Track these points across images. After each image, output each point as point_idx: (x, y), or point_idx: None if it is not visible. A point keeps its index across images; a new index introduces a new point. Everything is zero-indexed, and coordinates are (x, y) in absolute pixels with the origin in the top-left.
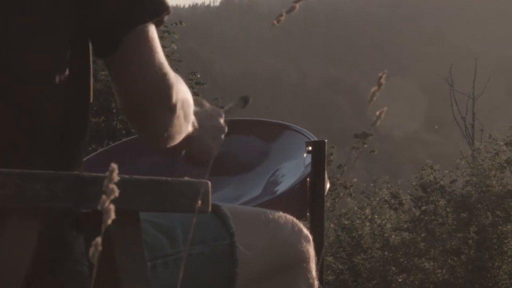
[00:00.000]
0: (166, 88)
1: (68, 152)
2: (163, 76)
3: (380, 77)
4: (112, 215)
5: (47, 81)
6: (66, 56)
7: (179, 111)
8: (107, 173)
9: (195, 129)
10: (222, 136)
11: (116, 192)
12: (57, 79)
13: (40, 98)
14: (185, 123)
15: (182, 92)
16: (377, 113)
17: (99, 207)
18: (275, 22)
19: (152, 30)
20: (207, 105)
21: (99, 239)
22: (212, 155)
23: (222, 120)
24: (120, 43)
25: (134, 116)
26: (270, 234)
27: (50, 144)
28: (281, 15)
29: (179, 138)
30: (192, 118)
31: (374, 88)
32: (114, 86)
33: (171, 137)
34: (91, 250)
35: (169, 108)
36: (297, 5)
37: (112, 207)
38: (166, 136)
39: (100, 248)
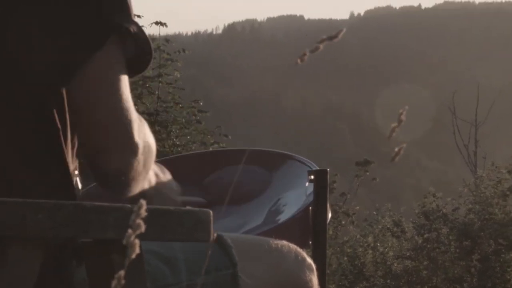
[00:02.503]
0: (127, 125)
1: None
2: (124, 111)
3: (401, 114)
4: (137, 250)
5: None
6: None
7: (140, 155)
8: (135, 208)
9: (150, 189)
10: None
11: (143, 228)
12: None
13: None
14: (143, 172)
15: (145, 135)
16: (396, 149)
17: (124, 242)
18: (298, 61)
19: (114, 61)
20: (168, 175)
21: (122, 272)
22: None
23: (178, 198)
24: (78, 70)
25: (93, 154)
26: (273, 263)
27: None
28: (305, 54)
29: (135, 188)
30: (151, 169)
31: (394, 125)
32: (70, 118)
33: (128, 184)
34: (114, 282)
35: (129, 147)
36: (321, 46)
37: (137, 242)
38: (123, 180)
39: (123, 281)
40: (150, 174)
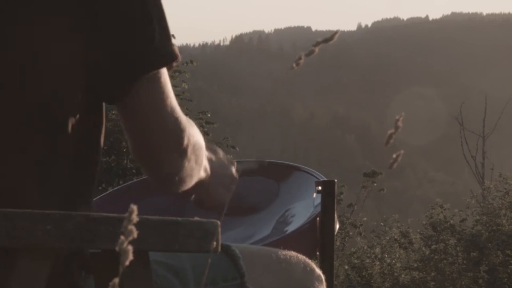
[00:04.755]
0: (177, 132)
1: (79, 189)
2: (175, 121)
3: (398, 120)
4: (130, 256)
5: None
6: (78, 94)
7: (191, 155)
8: (127, 214)
9: (207, 175)
10: (233, 186)
11: (135, 234)
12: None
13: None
14: (197, 167)
15: (193, 136)
16: (394, 155)
17: (117, 248)
18: (294, 65)
19: (164, 75)
20: (220, 153)
21: (116, 280)
22: (221, 203)
23: (234, 170)
24: (132, 89)
25: (146, 159)
26: (281, 274)
27: (63, 178)
28: (300, 58)
29: (190, 182)
30: (204, 162)
31: (391, 131)
32: (125, 130)
33: (182, 181)
34: None
35: (180, 152)
36: (316, 49)
37: (130, 248)
38: (177, 180)
39: None
40: (205, 162)
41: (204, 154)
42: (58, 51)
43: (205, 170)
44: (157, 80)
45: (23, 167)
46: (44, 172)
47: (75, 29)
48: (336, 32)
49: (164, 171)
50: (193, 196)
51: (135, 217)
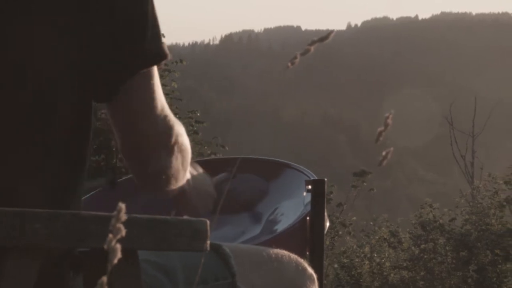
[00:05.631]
0: (166, 130)
1: (70, 187)
2: (164, 118)
3: (387, 118)
4: (118, 255)
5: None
6: (69, 89)
7: (177, 154)
8: (115, 212)
9: (188, 186)
10: (211, 204)
11: (123, 232)
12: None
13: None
14: (182, 170)
15: (181, 135)
16: (384, 153)
17: (105, 246)
18: (289, 64)
19: (154, 73)
20: (200, 170)
21: (104, 278)
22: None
23: (212, 189)
24: (123, 87)
25: (134, 156)
26: (273, 273)
27: (56, 177)
28: (295, 57)
29: (174, 184)
30: (188, 166)
31: (380, 129)
32: (114, 127)
33: (167, 181)
34: None
35: (167, 149)
36: (312, 48)
37: (118, 246)
38: (163, 179)
39: (105, 287)
40: (188, 169)
41: (189, 158)
42: (55, 51)
43: (187, 181)
44: (148, 78)
45: (21, 167)
46: (39, 172)
47: (71, 29)
48: (331, 32)
49: (151, 169)
50: (173, 213)
51: (123, 216)
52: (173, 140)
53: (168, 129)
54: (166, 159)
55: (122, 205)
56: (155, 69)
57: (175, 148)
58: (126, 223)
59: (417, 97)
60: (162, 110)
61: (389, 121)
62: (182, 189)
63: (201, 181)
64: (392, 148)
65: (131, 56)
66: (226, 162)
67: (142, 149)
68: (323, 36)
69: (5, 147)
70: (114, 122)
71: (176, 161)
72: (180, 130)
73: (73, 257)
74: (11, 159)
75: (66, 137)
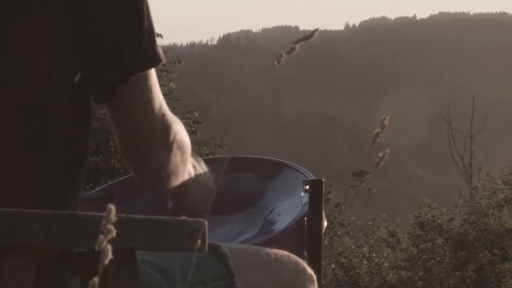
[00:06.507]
0: (165, 129)
1: (69, 188)
2: (162, 117)
3: (384, 119)
4: (110, 255)
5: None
6: (66, 87)
7: (176, 151)
8: (105, 213)
9: (190, 180)
10: (211, 200)
11: (114, 233)
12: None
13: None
14: (182, 165)
15: (179, 132)
16: (380, 154)
17: (96, 247)
18: (275, 63)
19: (153, 74)
20: (203, 164)
21: (96, 279)
22: (198, 213)
23: (212, 183)
24: (122, 88)
25: (133, 155)
26: (272, 274)
27: (54, 178)
28: (281, 56)
29: (175, 179)
30: (188, 163)
31: (377, 130)
32: (113, 126)
33: (167, 177)
34: None
35: (166, 147)
36: (297, 46)
37: (109, 247)
38: (163, 176)
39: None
40: (189, 166)
41: (189, 153)
42: (55, 51)
43: (189, 174)
44: (146, 79)
45: (20, 167)
46: (38, 172)
47: (71, 29)
48: (315, 30)
49: (151, 166)
50: (170, 204)
51: (113, 216)
52: (171, 138)
53: (166, 128)
54: (165, 157)
55: (112, 206)
56: (153, 70)
57: (174, 145)
58: (123, 224)
59: (416, 97)
60: (160, 109)
61: (386, 122)
62: (183, 183)
63: (203, 176)
64: (388, 150)
65: (129, 57)
66: (222, 162)
67: (141, 148)
68: (308, 35)
69: (5, 147)
70: (113, 123)
71: (175, 158)
72: (178, 128)
73: (71, 257)
74: (11, 159)
75: (65, 137)
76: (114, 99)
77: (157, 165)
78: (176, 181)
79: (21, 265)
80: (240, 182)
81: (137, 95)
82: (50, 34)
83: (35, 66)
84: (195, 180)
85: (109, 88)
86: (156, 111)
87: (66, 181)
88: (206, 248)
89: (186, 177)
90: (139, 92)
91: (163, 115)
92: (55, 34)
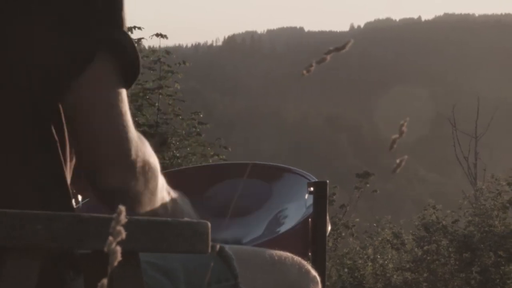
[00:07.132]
0: (123, 144)
1: (59, 186)
2: (122, 130)
3: (402, 125)
4: (119, 257)
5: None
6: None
7: (139, 175)
8: (115, 215)
9: (164, 210)
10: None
11: (123, 234)
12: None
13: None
14: (147, 192)
15: (145, 154)
16: (398, 160)
17: (105, 249)
18: (304, 72)
19: (111, 79)
20: (186, 200)
21: (105, 281)
22: None
23: (193, 213)
24: (72, 84)
25: (89, 168)
26: (276, 275)
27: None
28: (311, 65)
29: (138, 207)
30: (156, 188)
31: (395, 136)
32: (71, 137)
33: (129, 203)
34: None
35: (126, 166)
36: (328, 57)
37: (118, 249)
38: (123, 199)
39: None
40: (164, 194)
41: (156, 180)
42: (55, 51)
43: (164, 207)
44: (103, 80)
45: (20, 167)
46: (39, 172)
47: (70, 29)
48: (348, 42)
49: (108, 185)
50: None
51: (123, 218)
52: (132, 155)
53: (124, 140)
54: (124, 176)
55: (122, 208)
56: (109, 71)
57: (137, 165)
58: (126, 225)
59: (419, 97)
60: (118, 116)
61: (404, 128)
62: (154, 213)
63: (180, 205)
64: (406, 156)
65: (75, 48)
66: (234, 168)
67: (94, 162)
68: (339, 46)
69: (5, 147)
70: (66, 128)
71: (137, 181)
72: (143, 147)
73: (74, 258)
74: (11, 159)
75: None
76: (67, 95)
77: (114, 183)
78: (141, 209)
79: (22, 266)
80: (244, 187)
81: (89, 91)
82: (50, 34)
83: (35, 66)
84: (172, 210)
85: (59, 82)
86: (114, 120)
87: (66, 181)
88: (209, 250)
89: (157, 205)
90: (91, 88)
91: (123, 125)
92: (55, 34)
